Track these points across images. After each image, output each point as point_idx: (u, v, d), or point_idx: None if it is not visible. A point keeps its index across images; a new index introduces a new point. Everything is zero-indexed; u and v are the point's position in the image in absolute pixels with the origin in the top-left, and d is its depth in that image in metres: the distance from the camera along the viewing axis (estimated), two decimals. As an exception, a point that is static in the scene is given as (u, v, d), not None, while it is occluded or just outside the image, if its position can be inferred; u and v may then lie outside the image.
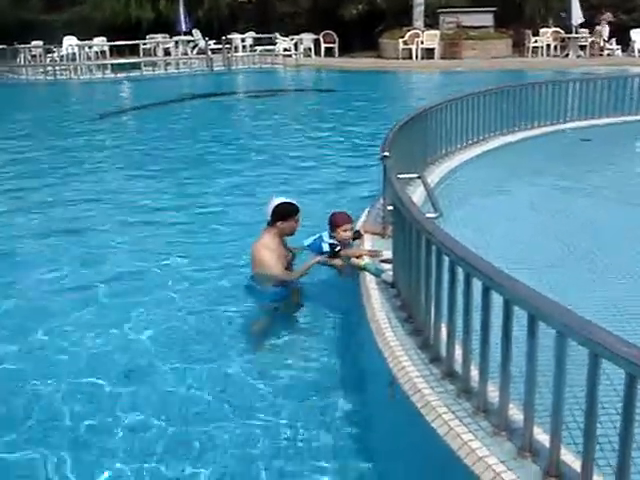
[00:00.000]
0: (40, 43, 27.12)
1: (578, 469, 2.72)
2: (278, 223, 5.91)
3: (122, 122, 17.83)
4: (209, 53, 27.18)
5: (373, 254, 5.56)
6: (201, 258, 7.34)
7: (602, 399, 2.66)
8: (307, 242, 6.20)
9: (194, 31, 30.32)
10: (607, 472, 2.75)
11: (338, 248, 5.91)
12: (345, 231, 6.03)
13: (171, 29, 29.58)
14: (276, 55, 28.42)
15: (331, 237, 6.05)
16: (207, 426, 4.39)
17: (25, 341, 5.56)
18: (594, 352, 2.50)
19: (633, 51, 26.38)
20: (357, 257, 5.56)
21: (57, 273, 6.97)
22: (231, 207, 9.31)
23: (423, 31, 28.07)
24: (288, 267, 6.03)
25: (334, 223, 6.08)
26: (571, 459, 2.86)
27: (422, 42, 27.62)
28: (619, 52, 27.26)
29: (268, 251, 5.84)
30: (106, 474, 3.98)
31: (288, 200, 6.04)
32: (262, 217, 6.03)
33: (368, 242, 5.98)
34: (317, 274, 6.11)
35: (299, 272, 5.96)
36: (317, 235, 6.12)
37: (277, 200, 6.00)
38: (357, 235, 6.15)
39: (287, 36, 29.49)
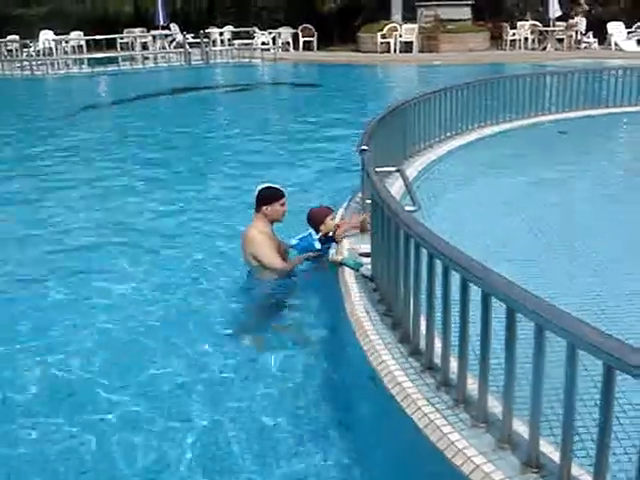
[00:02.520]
0: (16, 37, 26.85)
1: (557, 460, 2.73)
2: (263, 208, 5.95)
3: (97, 117, 17.66)
4: (187, 47, 27.02)
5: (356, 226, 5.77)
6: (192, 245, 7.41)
7: (580, 391, 2.68)
8: (294, 241, 6.17)
9: (172, 25, 30.12)
10: (586, 463, 2.76)
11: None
12: (332, 219, 6.13)
13: (150, 23, 29.40)
14: (254, 49, 28.29)
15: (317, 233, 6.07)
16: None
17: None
18: (571, 344, 2.51)
19: (610, 44, 26.54)
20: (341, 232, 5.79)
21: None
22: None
23: (401, 24, 28.05)
24: (284, 259, 6.03)
25: (318, 218, 6.10)
26: (550, 450, 2.88)
27: (400, 35, 27.59)
28: (596, 45, 27.41)
29: (257, 231, 5.91)
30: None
31: (272, 185, 6.11)
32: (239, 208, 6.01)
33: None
34: (296, 270, 6.09)
35: (293, 263, 5.98)
36: (305, 233, 6.10)
37: (261, 185, 6.08)
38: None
39: (265, 30, 29.39)
